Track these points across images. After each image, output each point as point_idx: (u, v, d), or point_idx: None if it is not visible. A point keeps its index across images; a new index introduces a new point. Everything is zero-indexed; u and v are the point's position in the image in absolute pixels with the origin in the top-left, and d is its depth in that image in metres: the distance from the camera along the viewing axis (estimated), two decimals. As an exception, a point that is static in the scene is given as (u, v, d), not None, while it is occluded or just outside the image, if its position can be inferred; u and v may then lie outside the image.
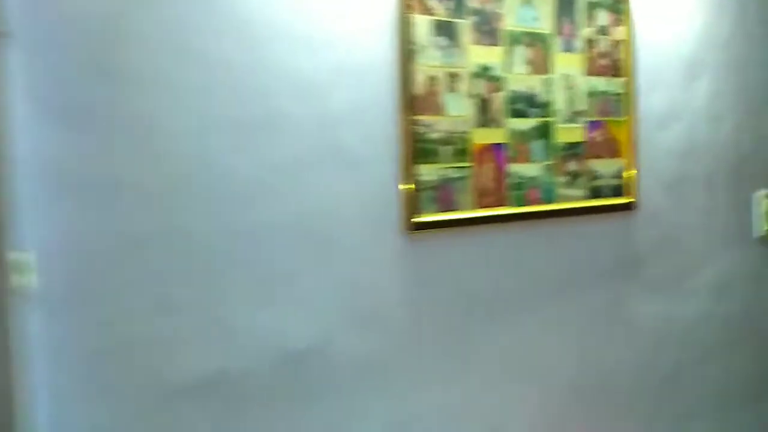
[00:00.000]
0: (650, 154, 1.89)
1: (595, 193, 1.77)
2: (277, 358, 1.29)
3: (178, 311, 1.20)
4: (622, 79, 1.81)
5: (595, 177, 1.77)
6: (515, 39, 1.60)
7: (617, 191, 1.82)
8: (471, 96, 1.54)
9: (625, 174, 1.82)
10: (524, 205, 1.64)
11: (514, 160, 1.62)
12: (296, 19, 1.31)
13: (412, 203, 1.46)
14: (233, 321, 1.25)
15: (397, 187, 1.45)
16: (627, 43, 1.80)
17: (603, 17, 1.76)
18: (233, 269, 1.25)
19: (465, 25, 1.52)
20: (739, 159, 2.12)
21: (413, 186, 1.46)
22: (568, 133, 1.71)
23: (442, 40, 1.49)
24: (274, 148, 1.28)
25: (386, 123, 1.42)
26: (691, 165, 1.99)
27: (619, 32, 1.79)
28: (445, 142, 1.51)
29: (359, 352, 1.40)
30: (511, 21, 1.59)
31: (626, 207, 1.84)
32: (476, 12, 1.54)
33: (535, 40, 1.64)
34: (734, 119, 2.09)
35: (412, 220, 1.46)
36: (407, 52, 1.43)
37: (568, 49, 1.70)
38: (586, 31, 1.73)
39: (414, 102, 1.45)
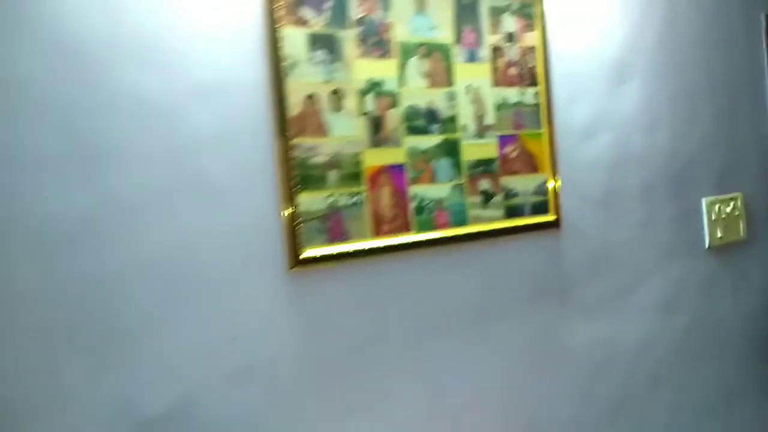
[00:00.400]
0: (575, 167, 1.74)
1: (514, 213, 1.62)
2: (129, 429, 1.10)
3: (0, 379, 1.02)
4: (535, 89, 1.66)
5: (512, 195, 1.62)
6: (409, 50, 1.46)
7: (539, 209, 1.67)
8: (360, 114, 1.39)
9: (547, 190, 1.67)
10: (432, 230, 1.48)
11: (417, 181, 1.46)
12: (142, 36, 1.15)
13: (296, 236, 1.29)
14: (70, 388, 1.07)
15: (276, 218, 1.28)
16: (540, 50, 1.66)
17: (510, 23, 1.62)
18: (69, 325, 1.07)
19: (348, 37, 1.37)
20: (681, 166, 1.98)
21: (295, 217, 1.29)
22: (477, 149, 1.56)
23: (321, 55, 1.33)
24: (114, 182, 1.11)
25: (259, 148, 1.26)
26: (624, 176, 1.84)
27: (529, 38, 1.65)
28: (332, 166, 1.35)
29: (233, 410, 1.21)
30: (403, 31, 1.45)
31: (550, 225, 1.68)
32: (360, 22, 1.39)
33: (432, 50, 1.49)
34: (671, 125, 1.95)
35: (297, 255, 1.29)
36: (279, 70, 1.27)
37: (472, 59, 1.56)
38: (492, 39, 1.59)
39: (290, 124, 1.29)
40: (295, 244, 1.29)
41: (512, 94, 1.62)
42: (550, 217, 1.68)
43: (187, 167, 1.19)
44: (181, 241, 1.18)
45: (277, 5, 1.27)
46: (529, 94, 1.65)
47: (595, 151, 1.78)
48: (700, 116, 2.03)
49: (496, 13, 1.59)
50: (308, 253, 1.31)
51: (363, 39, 1.39)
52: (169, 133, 1.17)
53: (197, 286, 1.19)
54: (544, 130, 1.67)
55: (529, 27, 1.65)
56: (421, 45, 1.47)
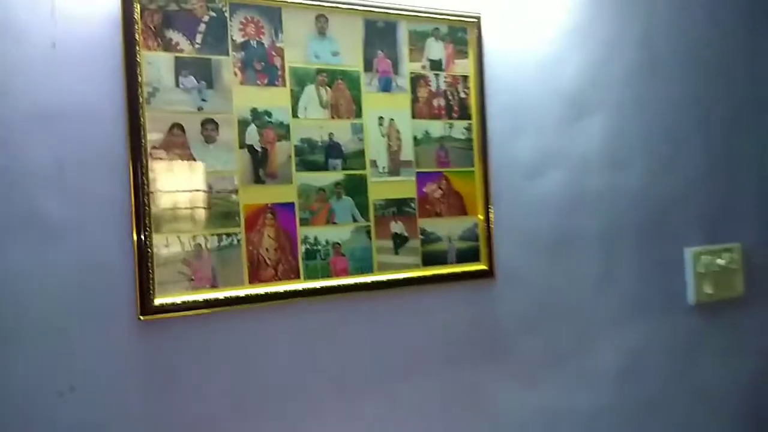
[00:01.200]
0: (515, 209, 1.51)
1: (435, 260, 1.41)
2: None
3: None
4: (467, 122, 1.46)
5: (433, 239, 1.41)
6: (304, 77, 1.29)
7: (467, 256, 1.44)
8: (239, 147, 1.23)
9: (478, 235, 1.46)
10: (326, 277, 1.29)
11: (309, 222, 1.28)
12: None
13: (149, 280, 1.13)
14: None
15: (127, 260, 1.13)
16: (473, 80, 1.46)
17: (436, 49, 1.43)
18: None
19: (227, 63, 1.22)
20: (657, 211, 1.71)
21: (150, 258, 1.13)
22: (388, 187, 1.36)
23: (191, 81, 1.19)
24: None
25: (108, 181, 1.12)
26: (579, 220, 1.60)
27: (460, 66, 1.46)
28: (200, 202, 1.19)
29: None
30: (298, 56, 1.28)
31: (481, 275, 1.45)
32: (243, 47, 1.24)
33: (335, 78, 1.32)
34: (644, 164, 1.70)
35: (150, 301, 1.13)
36: (136, 96, 1.13)
37: (386, 88, 1.37)
38: (412, 66, 1.40)
39: (150, 154, 1.15)
40: (146, 289, 1.13)
41: (437, 127, 1.43)
42: (480, 266, 1.45)
43: (16, 201, 1.05)
44: (4, 282, 1.04)
45: (138, 26, 1.14)
46: (458, 128, 1.45)
47: (542, 191, 1.55)
48: (684, 154, 1.76)
49: (419, 38, 1.41)
50: (164, 300, 1.14)
51: (245, 65, 1.24)
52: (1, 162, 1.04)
53: (23, 333, 1.05)
54: (476, 167, 1.46)
55: (460, 53, 1.46)
56: (320, 72, 1.31)
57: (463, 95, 1.46)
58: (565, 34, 1.60)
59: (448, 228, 1.43)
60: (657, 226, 1.71)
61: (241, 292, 1.21)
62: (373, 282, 1.33)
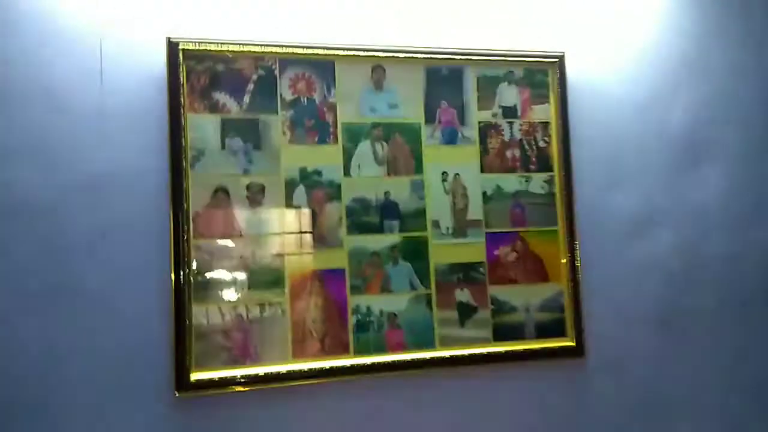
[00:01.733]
0: (610, 276, 1.28)
1: (508, 333, 1.21)
2: None
3: None
4: (547, 175, 1.27)
5: (507, 310, 1.22)
6: (358, 133, 1.18)
7: (550, 330, 1.23)
8: (287, 208, 1.14)
9: (563, 305, 1.24)
10: (379, 353, 1.15)
11: (361, 290, 1.15)
12: (28, 134, 1.05)
13: (186, 355, 1.06)
14: None
15: (163, 333, 1.06)
16: (555, 127, 1.28)
17: (510, 95, 1.27)
18: None
19: (275, 122, 1.15)
20: None
21: (186, 331, 1.06)
22: (453, 251, 1.20)
23: (236, 143, 1.13)
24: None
25: (146, 249, 1.07)
26: (696, 290, 1.32)
27: (538, 112, 1.28)
28: (243, 269, 1.11)
29: None
30: (351, 111, 1.19)
31: (567, 353, 1.23)
32: (293, 104, 1.16)
33: (392, 132, 1.20)
34: None
35: (187, 377, 1.06)
36: (179, 161, 1.09)
37: (451, 140, 1.23)
38: (482, 115, 1.25)
39: (192, 221, 1.09)
40: (183, 365, 1.05)
41: (511, 181, 1.25)
42: (565, 341, 1.23)
43: (58, 270, 1.04)
44: (36, 358, 1.02)
45: (184, 89, 1.10)
46: (536, 182, 1.26)
47: (645, 255, 1.30)
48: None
49: (489, 83, 1.26)
50: (201, 375, 1.06)
51: (295, 123, 1.16)
52: (45, 232, 1.03)
53: (61, 410, 1.02)
54: (560, 226, 1.26)
55: (539, 98, 1.28)
56: (376, 126, 1.20)
57: (542, 144, 1.27)
58: (671, 68, 1.36)
59: (525, 297, 1.23)
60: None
61: (284, 368, 1.10)
62: (433, 358, 1.16)
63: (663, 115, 1.35)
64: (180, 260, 1.07)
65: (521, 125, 1.27)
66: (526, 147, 1.27)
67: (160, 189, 1.08)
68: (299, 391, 1.11)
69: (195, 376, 1.06)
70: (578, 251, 1.26)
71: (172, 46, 1.09)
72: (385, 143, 1.20)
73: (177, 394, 1.05)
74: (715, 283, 1.33)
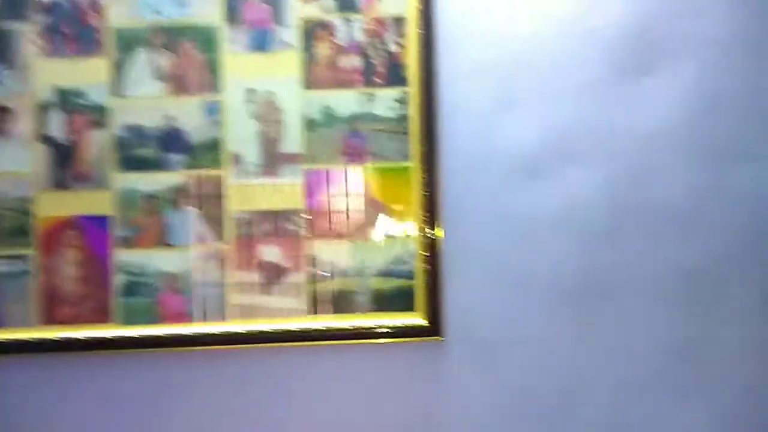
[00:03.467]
0: (486, 233, 0.91)
1: (333, 305, 0.90)
2: None
3: None
4: (398, 91, 0.91)
5: (335, 274, 0.90)
6: (133, 40, 0.89)
7: (394, 301, 0.90)
8: (40, 139, 0.89)
9: (412, 268, 0.90)
10: (152, 323, 0.88)
11: (131, 243, 0.89)
12: None
13: None
14: None
15: None
16: (413, 23, 0.90)
17: (350, -18, 0.91)
18: None
19: (25, 30, 0.89)
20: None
21: None
22: (258, 193, 0.90)
23: (-28, 56, 0.88)
24: None
25: None
26: (616, 254, 0.91)
27: (390, 3, 0.91)
28: (-19, 215, 0.88)
29: None
30: (124, 12, 0.89)
31: (414, 332, 0.89)
32: (50, 8, 0.89)
33: (179, 37, 0.90)
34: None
35: None
36: None
37: (259, 46, 0.90)
38: (303, 10, 0.90)
39: None
40: None
41: (347, 100, 0.90)
42: (414, 317, 0.89)
43: None
44: None
45: None
46: (383, 101, 0.91)
47: (542, 203, 0.91)
48: None
49: (319, -33, 0.91)
50: (-72, 340, 0.86)
51: (50, 30, 0.89)
52: None
53: None
54: (414, 161, 0.90)
55: (393, -15, 0.91)
56: (157, 30, 0.90)
57: (394, 48, 0.91)
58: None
59: (360, 256, 0.90)
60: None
61: (30, 336, 0.87)
62: (223, 334, 0.88)
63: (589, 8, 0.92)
64: None
65: (364, 23, 0.91)
66: (371, 53, 0.91)
67: None
68: (48, 365, 0.88)
69: None
70: (439, 197, 0.90)
71: None
72: (169, 53, 0.90)
73: None
74: (652, 246, 0.91)
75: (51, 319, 0.88)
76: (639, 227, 0.91)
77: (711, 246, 0.91)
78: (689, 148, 0.91)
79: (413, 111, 0.90)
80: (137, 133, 0.89)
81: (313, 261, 0.89)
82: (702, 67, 0.91)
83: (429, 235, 0.89)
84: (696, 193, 0.91)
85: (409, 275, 0.90)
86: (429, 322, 0.89)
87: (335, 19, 0.91)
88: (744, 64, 0.91)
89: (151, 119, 0.89)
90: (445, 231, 0.90)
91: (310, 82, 0.90)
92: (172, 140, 0.89)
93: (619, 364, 0.89)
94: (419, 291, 0.90)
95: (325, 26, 0.91)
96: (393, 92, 0.91)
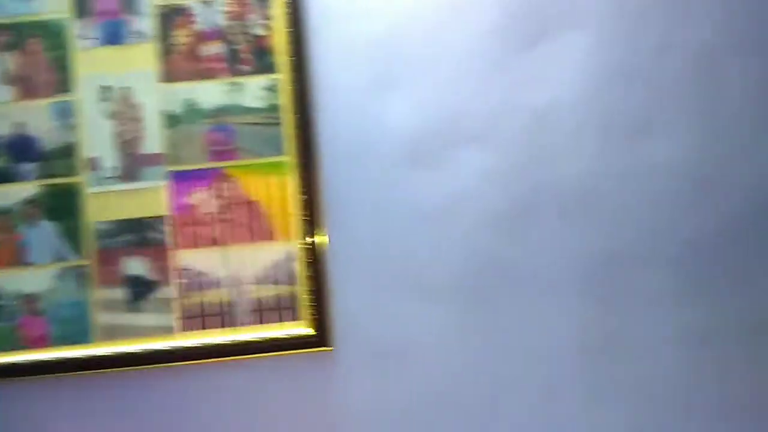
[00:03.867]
0: (376, 231, 0.81)
1: (208, 320, 0.81)
2: None
3: None
4: (267, 79, 0.82)
5: (204, 285, 0.81)
6: (-32, 41, 0.81)
7: (276, 312, 0.81)
8: None
9: (294, 274, 0.81)
10: (15, 350, 0.80)
11: (-17, 264, 0.81)
12: None
13: None
14: None
15: None
16: (279, 1, 0.81)
17: (207, -37, 0.82)
18: None
19: None
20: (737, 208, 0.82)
21: None
22: (118, 201, 0.81)
23: None
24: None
25: None
26: (524, 246, 0.82)
27: (257, -16, 0.82)
28: None
29: None
30: (-40, 10, 0.82)
31: (300, 344, 0.80)
32: None
33: (25, 36, 0.81)
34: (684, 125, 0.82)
35: None
36: None
37: (112, 39, 0.82)
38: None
39: None
40: None
41: (210, 92, 0.81)
42: (299, 327, 0.80)
43: None
44: None
45: None
46: (252, 90, 0.82)
47: (442, 193, 0.81)
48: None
49: (172, -53, 0.82)
50: None
51: None
52: None
53: None
54: (290, 155, 0.81)
55: (256, -39, 0.82)
56: (-2, 29, 0.82)
57: (260, 32, 0.82)
58: None
59: (235, 265, 0.81)
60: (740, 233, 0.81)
61: None
62: (89, 357, 0.80)
63: None
64: None
65: (225, 5, 0.82)
66: (234, 38, 0.82)
67: None
68: None
69: None
70: (320, 192, 0.81)
71: None
72: (14, 53, 0.82)
73: None
74: (557, 233, 0.81)
75: None
76: (541, 213, 0.81)
77: (622, 228, 0.81)
78: (591, 124, 0.81)
79: (285, 99, 0.81)
80: (-21, 142, 0.81)
81: (182, 272, 0.81)
82: (599, 38, 0.81)
83: (310, 236, 0.80)
84: (602, 171, 0.81)
85: (291, 281, 0.81)
86: (316, 332, 0.80)
87: (193, 4, 0.82)
88: (643, 34, 0.81)
89: (-4, 127, 0.81)
90: (328, 230, 0.81)
91: (169, 74, 0.82)
92: (21, 148, 0.81)
93: (525, 365, 0.80)
94: (304, 298, 0.81)
95: (181, 12, 0.82)
96: (261, 80, 0.82)
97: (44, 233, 0.81)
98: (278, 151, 0.81)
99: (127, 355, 0.80)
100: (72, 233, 0.81)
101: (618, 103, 0.81)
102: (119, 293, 0.81)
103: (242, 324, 0.81)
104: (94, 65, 0.81)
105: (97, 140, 0.81)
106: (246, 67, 0.82)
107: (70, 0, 0.81)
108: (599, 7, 0.81)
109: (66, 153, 0.81)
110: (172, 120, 0.81)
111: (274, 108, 0.81)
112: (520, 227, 0.81)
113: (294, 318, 0.81)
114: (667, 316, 0.79)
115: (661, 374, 0.79)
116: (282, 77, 0.81)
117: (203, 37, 0.82)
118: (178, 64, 0.82)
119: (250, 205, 0.81)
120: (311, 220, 0.80)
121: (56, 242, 0.81)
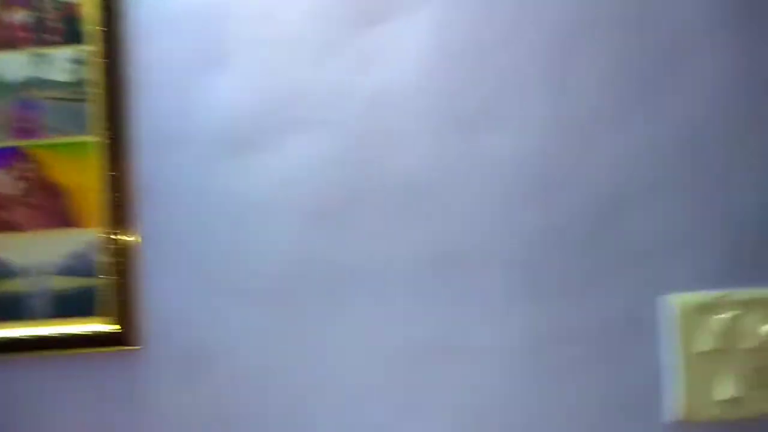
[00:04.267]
0: (196, 218, 0.75)
1: (4, 312, 0.74)
2: None
3: None
4: (74, 50, 0.74)
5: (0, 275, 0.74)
6: None
7: (77, 305, 0.74)
8: None
9: (93, 265, 0.74)
10: None
11: None
12: None
13: None
14: None
15: None
16: (97, -33, 0.74)
17: None
18: None
19: None
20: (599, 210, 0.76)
21: None
22: None
23: None
24: None
25: None
26: (358, 241, 0.76)
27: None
28: None
29: None
30: None
31: (104, 341, 0.74)
32: None
33: None
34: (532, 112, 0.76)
35: None
36: None
37: None
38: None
39: None
40: None
41: (12, 65, 0.74)
42: (98, 323, 0.74)
43: None
44: None
45: None
46: (58, 62, 0.74)
47: (270, 180, 0.75)
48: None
49: None
50: None
51: None
52: None
53: None
54: (97, 135, 0.74)
55: None
56: None
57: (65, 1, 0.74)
58: None
59: (35, 253, 0.74)
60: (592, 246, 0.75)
61: None
62: None
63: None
64: None
65: (25, -31, 0.74)
66: (42, 5, 0.74)
67: None
68: None
69: None
70: (131, 176, 0.74)
71: None
72: None
73: None
74: (392, 227, 0.75)
75: None
76: (376, 205, 0.75)
77: (465, 223, 0.75)
78: (429, 112, 0.75)
79: (96, 74, 0.74)
80: None
81: (-23, 260, 0.74)
82: (443, 18, 0.75)
83: (117, 226, 0.73)
84: (444, 162, 0.75)
85: (91, 272, 0.74)
86: (121, 328, 0.74)
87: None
88: (490, 15, 0.75)
89: None
90: (139, 220, 0.74)
91: (-36, 43, 0.74)
92: None
93: (339, 371, 0.73)
94: (109, 292, 0.74)
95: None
96: (68, 51, 0.74)
97: None
98: (83, 130, 0.74)
99: None
100: None
101: (460, 90, 0.75)
102: None
103: (40, 317, 0.74)
104: None
105: None
106: (53, 37, 0.74)
107: None
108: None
109: None
110: (-35, 93, 0.74)
111: (80, 83, 0.74)
112: (348, 223, 0.74)
113: (98, 313, 0.74)
114: (498, 321, 0.74)
115: (488, 383, 0.73)
116: (92, 48, 0.74)
117: (6, 3, 0.74)
118: (-26, 32, 0.74)
119: (52, 188, 0.74)
120: (119, 208, 0.73)
121: None
